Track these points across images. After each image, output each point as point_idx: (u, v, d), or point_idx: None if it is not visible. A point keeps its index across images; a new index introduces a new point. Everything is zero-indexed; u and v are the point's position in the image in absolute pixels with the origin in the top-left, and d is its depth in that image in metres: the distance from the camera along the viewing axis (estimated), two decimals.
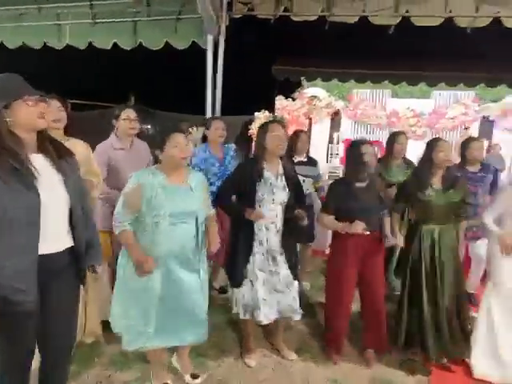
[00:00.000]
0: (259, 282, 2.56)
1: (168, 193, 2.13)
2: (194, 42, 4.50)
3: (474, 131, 9.58)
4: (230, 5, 4.38)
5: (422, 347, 2.74)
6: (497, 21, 3.98)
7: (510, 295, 2.62)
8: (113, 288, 2.87)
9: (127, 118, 3.00)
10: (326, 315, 2.92)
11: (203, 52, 4.51)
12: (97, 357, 2.73)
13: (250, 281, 2.58)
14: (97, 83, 10.58)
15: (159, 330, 2.19)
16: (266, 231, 2.54)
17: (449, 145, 2.84)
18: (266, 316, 2.58)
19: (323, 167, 9.37)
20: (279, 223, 2.57)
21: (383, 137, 9.98)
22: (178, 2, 4.52)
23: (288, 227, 2.60)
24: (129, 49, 4.76)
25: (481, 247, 3.53)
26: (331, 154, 10.39)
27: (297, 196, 2.66)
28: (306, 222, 2.58)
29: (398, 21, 4.10)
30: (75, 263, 1.79)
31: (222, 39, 4.45)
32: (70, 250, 1.76)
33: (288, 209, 2.58)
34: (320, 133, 10.35)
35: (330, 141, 10.43)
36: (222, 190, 2.66)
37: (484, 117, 9.63)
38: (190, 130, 4.81)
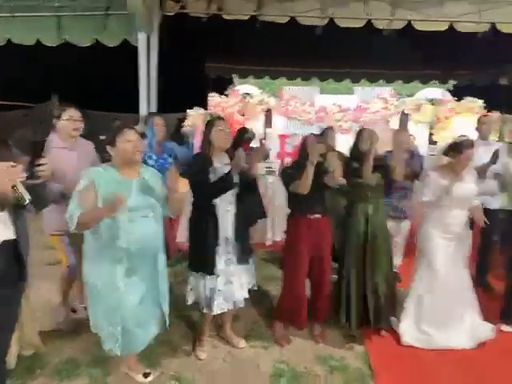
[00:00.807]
0: (218, 273, 2.63)
1: (124, 187, 2.13)
2: (125, 39, 4.39)
3: (394, 124, 10.42)
4: (161, 2, 4.34)
5: (349, 319, 3.02)
6: (410, 24, 4.42)
7: (440, 276, 2.97)
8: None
9: (70, 118, 2.86)
10: (282, 292, 3.08)
11: (135, 49, 4.42)
12: (39, 368, 2.62)
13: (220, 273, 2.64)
14: (20, 82, 9.79)
15: (126, 334, 2.19)
16: (222, 220, 2.61)
17: (373, 133, 3.11)
18: (219, 306, 2.66)
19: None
20: (233, 211, 2.66)
21: (313, 131, 10.45)
22: None
23: (241, 213, 2.69)
24: (54, 45, 4.50)
25: (406, 227, 3.96)
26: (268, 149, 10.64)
27: (248, 183, 2.78)
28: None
29: (325, 22, 4.37)
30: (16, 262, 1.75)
31: (154, 37, 4.39)
32: (9, 244, 1.71)
33: (239, 196, 2.68)
34: (254, 129, 10.57)
35: (264, 137, 10.69)
36: (192, 177, 2.66)
37: (401, 111, 10.49)
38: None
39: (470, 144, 2.90)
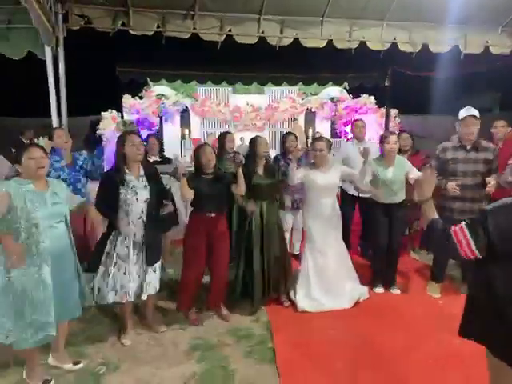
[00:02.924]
0: (121, 270, 3.00)
1: (38, 198, 2.43)
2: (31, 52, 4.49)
3: (301, 121, 11.38)
4: (66, 16, 4.50)
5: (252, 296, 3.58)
6: (298, 40, 5.14)
7: (318, 252, 3.67)
8: None
9: None
10: (181, 281, 3.49)
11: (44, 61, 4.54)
12: None
13: (114, 268, 3.00)
14: None
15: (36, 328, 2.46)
16: (134, 227, 2.99)
17: (265, 140, 3.72)
18: (132, 295, 3.06)
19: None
20: (145, 218, 3.04)
21: (229, 130, 11.06)
22: (6, 10, 4.42)
23: (152, 220, 3.08)
24: None
25: (299, 217, 4.63)
26: (185, 150, 11.01)
27: (159, 191, 3.17)
28: (167, 210, 3.16)
29: (223, 38, 4.89)
30: None
31: (60, 50, 4.54)
32: None
33: (151, 204, 3.06)
34: (171, 130, 10.89)
35: (183, 137, 11.04)
36: (97, 199, 3.03)
37: (308, 108, 11.51)
38: (36, 140, 4.79)
39: (317, 138, 3.66)
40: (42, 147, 2.59)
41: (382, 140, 3.85)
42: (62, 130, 3.90)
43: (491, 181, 3.44)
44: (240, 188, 3.37)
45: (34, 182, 2.48)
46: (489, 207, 1.57)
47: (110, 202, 2.97)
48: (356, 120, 4.90)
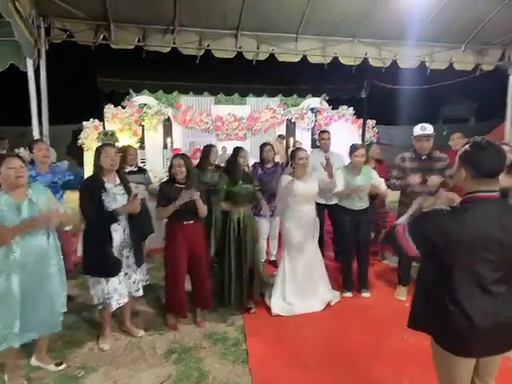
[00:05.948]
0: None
1: (13, 209, 2.51)
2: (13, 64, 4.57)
3: (282, 131, 11.63)
4: (48, 30, 4.61)
5: (229, 300, 3.74)
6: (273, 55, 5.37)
7: (295, 256, 3.84)
8: None
9: None
10: (166, 290, 3.63)
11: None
12: None
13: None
14: None
15: (21, 329, 2.56)
16: (114, 232, 3.12)
17: (247, 152, 3.91)
18: (117, 302, 3.17)
19: (160, 171, 9.99)
20: (124, 223, 3.18)
21: (210, 140, 11.21)
22: None
23: (131, 225, 3.22)
24: None
25: (277, 223, 4.81)
26: (167, 159, 11.14)
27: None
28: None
29: (201, 53, 5.08)
30: None
31: (42, 62, 4.65)
32: None
33: (132, 217, 3.18)
34: (154, 139, 11.00)
35: (165, 146, 11.16)
36: (82, 207, 3.11)
37: (288, 119, 11.79)
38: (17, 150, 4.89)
39: (298, 149, 3.89)
40: (20, 157, 2.68)
41: (351, 151, 4.09)
42: (44, 144, 3.87)
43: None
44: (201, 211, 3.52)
45: (12, 192, 2.55)
46: (426, 210, 1.78)
47: (96, 208, 3.05)
48: (322, 132, 5.15)
